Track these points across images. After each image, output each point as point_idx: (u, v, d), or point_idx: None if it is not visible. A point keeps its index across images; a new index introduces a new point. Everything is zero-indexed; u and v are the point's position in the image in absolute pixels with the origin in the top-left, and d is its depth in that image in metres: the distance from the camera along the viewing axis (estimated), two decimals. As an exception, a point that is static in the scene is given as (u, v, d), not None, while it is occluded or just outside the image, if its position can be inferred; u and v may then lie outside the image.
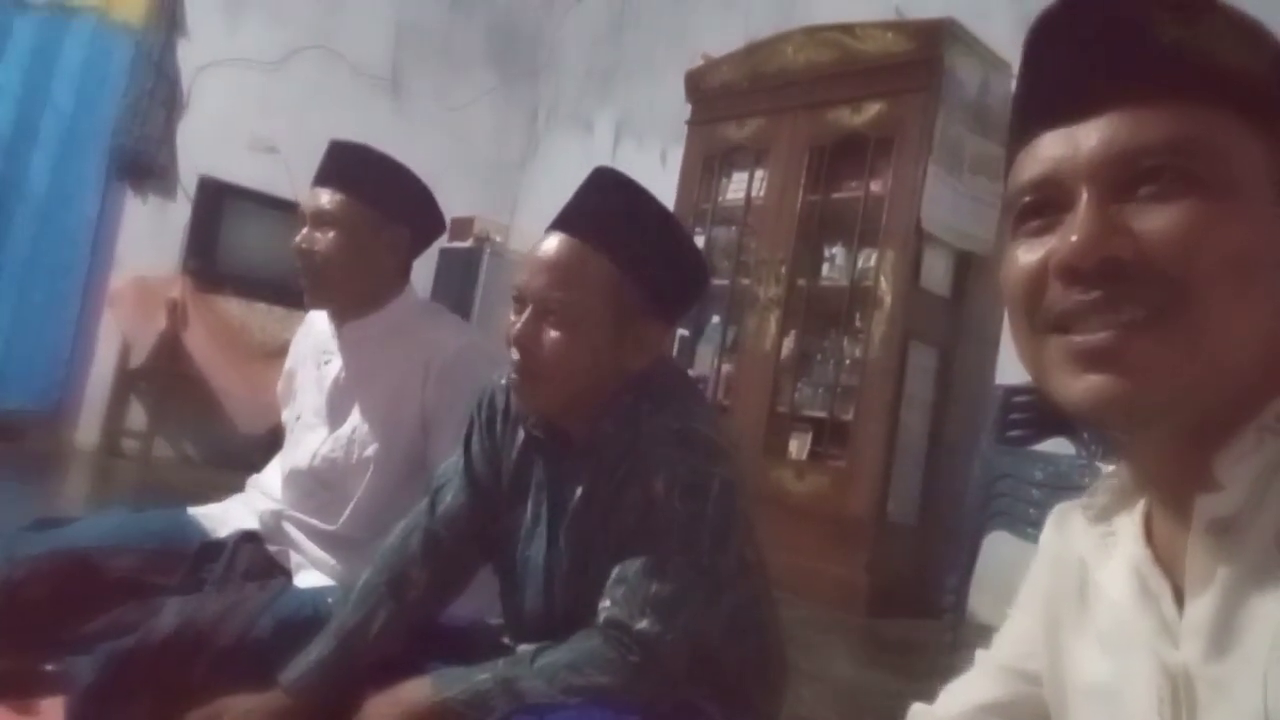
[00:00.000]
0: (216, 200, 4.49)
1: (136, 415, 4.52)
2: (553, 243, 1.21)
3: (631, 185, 1.25)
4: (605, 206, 1.23)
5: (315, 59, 4.95)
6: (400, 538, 1.36)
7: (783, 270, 3.79)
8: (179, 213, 4.57)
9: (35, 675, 1.43)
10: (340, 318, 1.71)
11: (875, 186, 3.62)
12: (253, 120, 4.70)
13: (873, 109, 3.61)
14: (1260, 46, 0.58)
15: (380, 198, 1.64)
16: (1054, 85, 0.61)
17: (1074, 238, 0.56)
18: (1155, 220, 0.55)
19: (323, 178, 1.67)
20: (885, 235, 3.51)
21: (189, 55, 4.59)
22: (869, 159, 3.63)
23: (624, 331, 1.20)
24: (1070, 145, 0.58)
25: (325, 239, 1.62)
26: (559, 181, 5.47)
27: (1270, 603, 0.52)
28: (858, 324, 3.63)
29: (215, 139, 4.58)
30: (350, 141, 1.70)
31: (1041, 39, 0.62)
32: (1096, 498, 0.69)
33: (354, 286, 1.66)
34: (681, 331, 4.17)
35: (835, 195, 3.77)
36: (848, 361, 3.65)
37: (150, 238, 4.52)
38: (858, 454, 3.47)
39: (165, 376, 4.31)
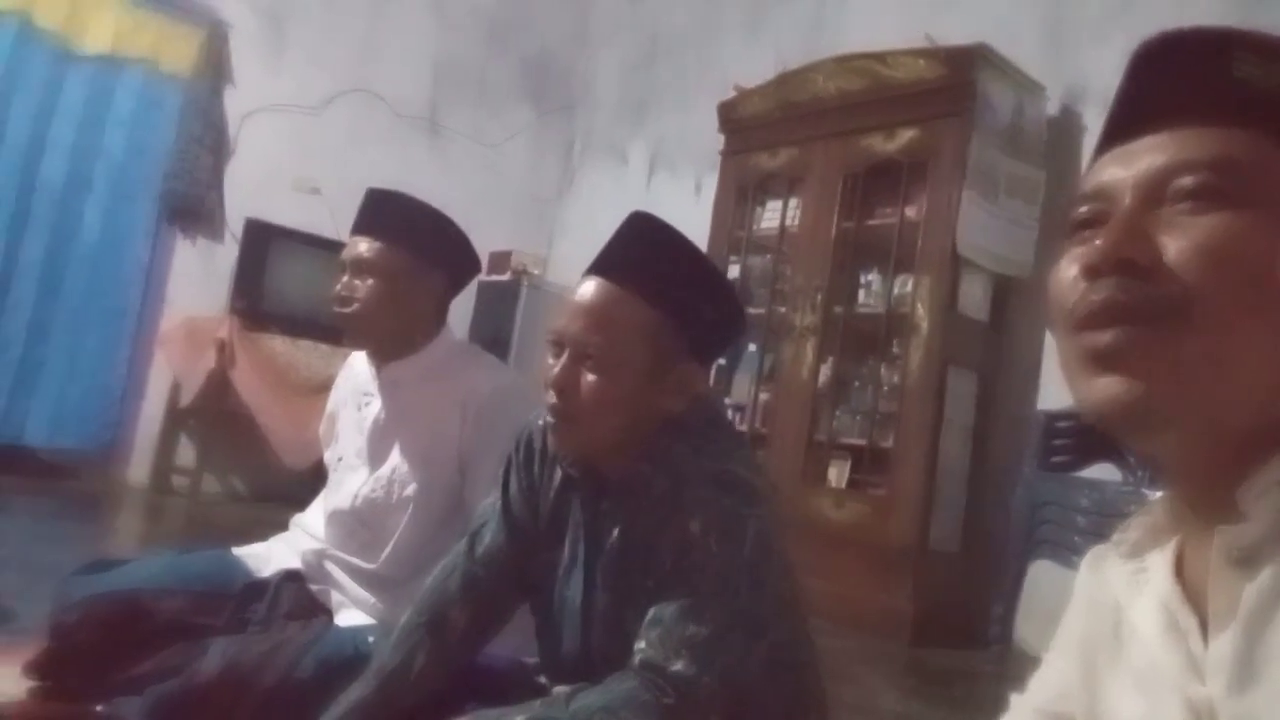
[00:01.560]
0: (262, 241, 4.60)
1: (186, 453, 4.62)
2: (590, 287, 1.23)
3: (667, 229, 1.27)
4: (641, 250, 1.24)
5: (356, 102, 5.07)
6: (439, 579, 1.37)
7: (818, 298, 3.78)
8: (226, 255, 4.69)
9: (85, 717, 1.46)
10: (379, 360, 1.75)
11: (910, 212, 3.61)
12: (296, 163, 4.81)
13: (906, 135, 3.61)
14: None
15: (417, 244, 1.68)
16: (1127, 107, 0.64)
17: (1099, 241, 0.59)
18: (1182, 231, 0.57)
19: (361, 226, 1.71)
20: (921, 261, 3.50)
21: (235, 102, 4.72)
22: (903, 185, 3.63)
23: (662, 375, 1.21)
24: (1126, 160, 0.61)
25: (365, 286, 1.67)
26: (595, 213, 5.55)
27: None
28: (895, 350, 3.61)
29: (260, 182, 4.70)
30: (387, 190, 1.74)
31: (1133, 67, 0.65)
32: (1129, 533, 0.69)
33: (393, 331, 1.70)
34: (718, 360, 4.18)
35: (870, 222, 3.77)
36: (886, 388, 3.63)
37: (199, 279, 4.63)
38: (898, 481, 3.43)
39: (213, 414, 4.41)
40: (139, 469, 4.58)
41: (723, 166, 4.36)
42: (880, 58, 3.70)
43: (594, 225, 5.66)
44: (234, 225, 4.70)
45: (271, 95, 4.80)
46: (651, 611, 1.17)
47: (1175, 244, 0.56)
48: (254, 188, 4.70)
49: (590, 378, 1.19)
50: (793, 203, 4.05)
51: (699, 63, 5.13)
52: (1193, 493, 0.61)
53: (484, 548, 1.36)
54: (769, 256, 4.22)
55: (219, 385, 4.27)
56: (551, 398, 1.20)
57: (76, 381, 4.33)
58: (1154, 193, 0.59)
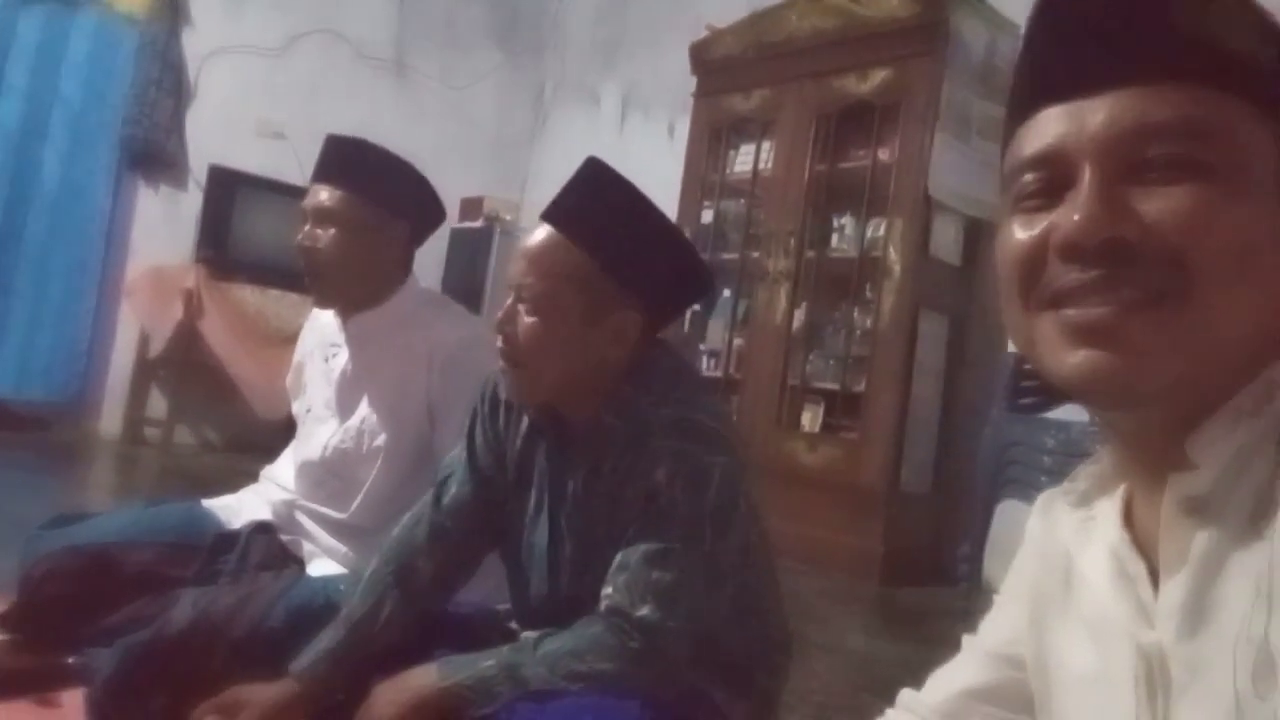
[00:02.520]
0: (227, 188, 4.52)
1: (157, 404, 4.59)
2: (535, 233, 1.25)
3: (613, 177, 1.26)
4: (583, 198, 1.25)
5: (319, 43, 4.95)
6: (406, 528, 1.38)
7: (792, 242, 3.77)
8: (191, 202, 4.60)
9: (57, 669, 1.47)
10: (345, 311, 1.73)
11: (883, 155, 3.60)
12: (259, 107, 4.71)
13: (879, 76, 3.58)
14: (1268, 35, 0.58)
15: (380, 193, 1.65)
16: (1061, 60, 0.60)
17: (1077, 216, 0.56)
18: (1161, 202, 0.55)
19: (322, 174, 1.68)
20: (894, 204, 3.50)
21: (193, 44, 4.60)
22: (876, 127, 3.60)
23: (597, 321, 1.22)
24: (1076, 122, 0.58)
25: (327, 236, 1.64)
26: (568, 157, 5.42)
27: (1242, 581, 0.52)
28: (868, 294, 3.62)
29: (223, 127, 4.60)
30: (348, 137, 1.71)
31: (1050, 11, 0.61)
32: (1078, 483, 0.69)
33: (357, 281, 1.68)
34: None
35: (843, 165, 3.75)
36: (858, 332, 3.65)
37: (163, 228, 4.56)
38: (870, 424, 3.47)
39: (184, 365, 4.37)
40: (110, 420, 4.54)
41: (695, 109, 4.30)
42: (854, -5, 3.65)
43: (567, 170, 5.56)
44: (198, 172, 4.61)
45: (231, 36, 4.68)
46: (618, 557, 1.18)
47: (1159, 218, 0.55)
48: (217, 133, 4.60)
49: (527, 320, 1.21)
50: (765, 145, 4.02)
51: (673, 2, 5.03)
52: (1142, 447, 0.61)
53: (450, 498, 1.37)
54: (742, 201, 4.19)
55: (188, 336, 4.23)
56: (498, 341, 1.22)
57: (42, 333, 4.27)
58: (1121, 159, 0.56)
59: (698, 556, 1.17)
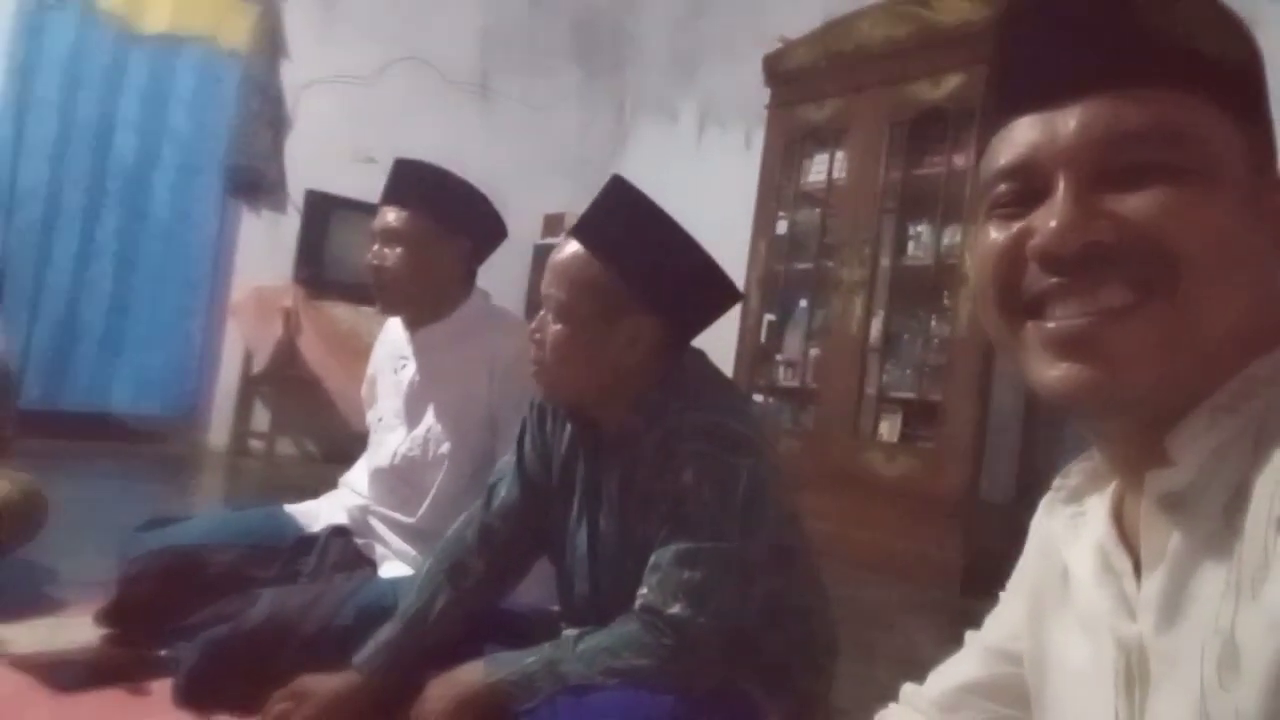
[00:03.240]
0: (322, 211, 4.74)
1: (261, 417, 4.83)
2: (563, 248, 1.32)
3: (632, 193, 1.33)
4: (603, 213, 1.33)
5: (408, 70, 5.14)
6: (459, 530, 1.46)
7: (866, 251, 3.75)
8: (290, 225, 4.84)
9: (148, 661, 1.57)
10: (413, 325, 1.83)
11: (958, 160, 3.54)
12: (352, 133, 4.92)
13: (952, 81, 3.53)
14: (1234, 34, 0.58)
15: (441, 212, 1.74)
16: (1031, 69, 0.60)
17: (1053, 223, 0.56)
18: (1137, 204, 0.55)
19: (388, 196, 1.79)
20: (970, 210, 3.44)
21: (291, 76, 4.84)
22: (950, 133, 3.55)
23: (612, 325, 1.28)
24: (1048, 131, 0.58)
25: (393, 254, 1.74)
26: (647, 173, 5.52)
27: (1215, 575, 0.53)
28: (945, 302, 3.56)
29: (319, 153, 4.82)
30: (413, 160, 1.81)
31: (1018, 20, 0.62)
32: (1070, 479, 0.69)
33: (422, 296, 1.77)
34: (769, 316, 4.18)
35: (917, 172, 3.71)
36: (936, 340, 3.60)
37: (265, 250, 4.80)
38: (948, 433, 3.42)
39: (284, 380, 4.59)
40: (218, 433, 4.80)
41: (769, 120, 4.32)
42: (925, 1, 3.61)
43: (646, 185, 5.64)
44: (295, 196, 4.84)
45: (326, 67, 4.91)
46: (652, 558, 1.23)
47: (1137, 219, 0.55)
48: (313, 159, 4.82)
49: (553, 328, 1.29)
50: (839, 154, 4.00)
51: (748, 15, 5.05)
52: (1124, 445, 0.62)
53: (499, 501, 1.44)
54: (817, 210, 4.18)
55: (287, 352, 4.44)
56: (531, 347, 1.30)
57: (155, 351, 4.54)
58: (1094, 167, 0.57)
59: (727, 556, 1.21)
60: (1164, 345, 0.55)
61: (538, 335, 1.32)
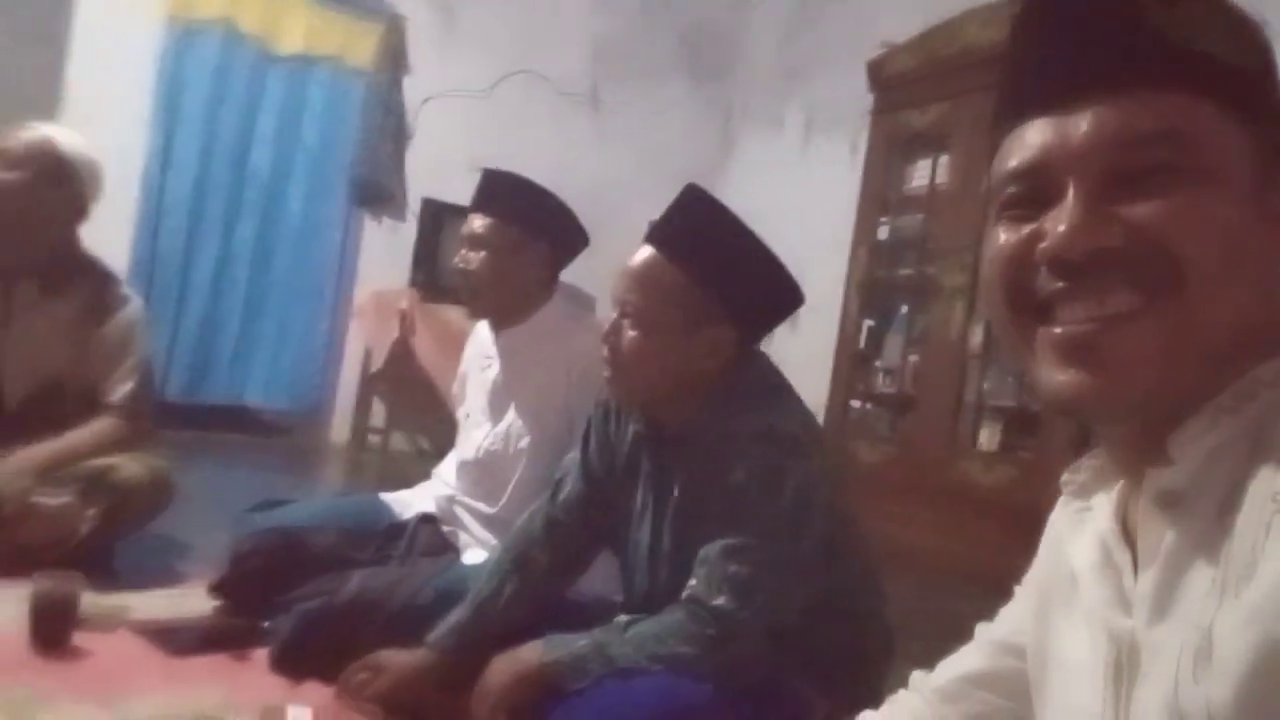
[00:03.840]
0: (438, 219, 4.96)
1: (378, 413, 5.09)
2: (638, 254, 1.36)
3: (712, 203, 1.37)
4: (682, 222, 1.36)
5: (521, 83, 5.32)
6: (526, 521, 1.55)
7: (968, 257, 3.68)
8: (408, 232, 5.08)
9: (253, 630, 1.72)
10: (497, 326, 1.94)
11: (1065, 165, 3.43)
12: (468, 144, 5.12)
13: (1060, 84, 3.43)
14: (1243, 36, 0.59)
15: (519, 217, 1.84)
16: (1041, 72, 0.61)
17: (1062, 228, 0.57)
18: (1145, 208, 0.56)
19: (475, 204, 1.90)
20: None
21: (412, 90, 5.09)
22: (1057, 137, 3.45)
23: (693, 334, 1.32)
24: (1059, 134, 0.59)
25: (477, 258, 1.86)
26: (752, 179, 5.56)
27: (1204, 572, 0.54)
28: (1049, 310, 3.46)
29: (436, 163, 5.04)
30: (498, 170, 1.92)
31: (1029, 23, 0.63)
32: (1079, 475, 0.70)
33: (503, 297, 1.88)
34: (868, 322, 4.15)
35: (1022, 177, 3.61)
36: (1039, 349, 3.49)
37: (385, 256, 5.05)
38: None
39: (399, 379, 4.82)
40: (340, 428, 5.08)
41: (871, 126, 4.29)
42: (1034, 3, 3.52)
43: (752, 191, 5.68)
44: (414, 205, 5.09)
45: (445, 82, 5.13)
46: (701, 552, 1.29)
47: (1144, 223, 0.56)
48: (431, 169, 5.05)
49: (629, 333, 1.33)
50: (942, 159, 3.94)
51: (854, 19, 5.02)
52: (1126, 444, 0.63)
53: (564, 495, 1.52)
54: (919, 216, 4.12)
55: (403, 352, 4.67)
56: (604, 350, 1.35)
57: (285, 350, 4.85)
58: (1103, 171, 0.57)
59: (772, 553, 1.25)
60: (1166, 349, 0.56)
61: (612, 340, 1.36)
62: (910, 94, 4.08)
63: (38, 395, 2.07)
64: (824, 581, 1.33)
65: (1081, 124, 0.58)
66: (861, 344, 4.15)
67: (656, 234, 1.37)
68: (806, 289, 1.42)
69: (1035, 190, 0.60)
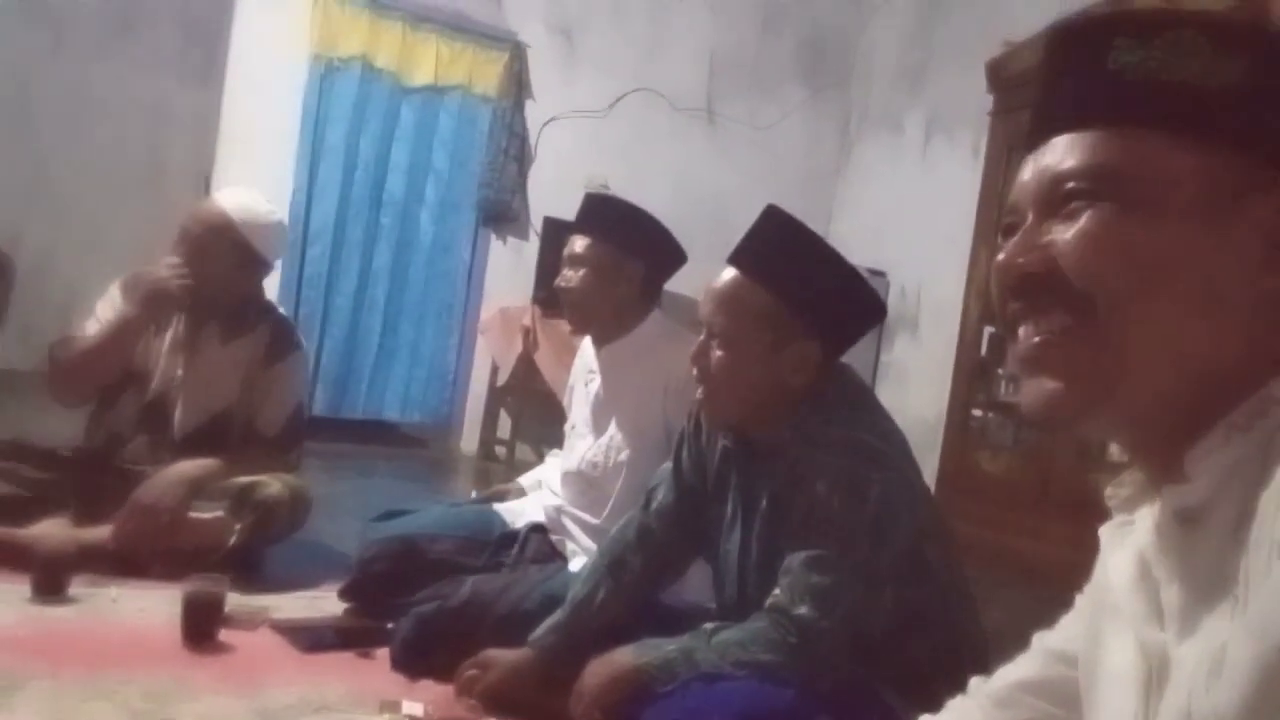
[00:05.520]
0: (559, 237, 5.10)
1: (505, 425, 5.28)
2: (722, 275, 1.41)
3: (792, 223, 1.40)
4: (765, 242, 1.40)
5: (639, 101, 5.44)
6: (621, 528, 1.61)
7: (1093, 261, 3.53)
8: (531, 250, 5.27)
9: (377, 631, 1.85)
10: (598, 341, 2.02)
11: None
12: (588, 163, 5.27)
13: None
14: (1227, 61, 0.59)
15: (616, 236, 1.93)
16: (1035, 109, 0.68)
17: (1000, 257, 0.64)
18: (1063, 233, 0.61)
19: (576, 226, 2.00)
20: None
21: (534, 114, 5.28)
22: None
23: (779, 351, 1.36)
24: (1030, 169, 0.65)
25: (577, 276, 1.95)
26: (871, 187, 5.50)
27: (1223, 587, 0.55)
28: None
29: (557, 183, 5.21)
30: (599, 193, 2.02)
31: (1041, 63, 0.69)
32: (1121, 489, 0.71)
33: (601, 313, 1.96)
34: (989, 329, 4.03)
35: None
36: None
37: (510, 273, 5.25)
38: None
39: (523, 392, 5.00)
40: (470, 440, 5.30)
41: (991, 127, 4.17)
42: (1161, -6, 3.37)
43: (871, 199, 5.61)
44: (536, 224, 5.27)
45: (565, 104, 5.30)
46: (785, 561, 1.32)
47: (1060, 249, 0.61)
48: (552, 188, 5.22)
49: (718, 353, 1.37)
50: (1066, 160, 3.79)
51: (979, 20, 4.90)
52: (1144, 462, 0.65)
53: (657, 504, 1.58)
54: (1043, 219, 3.98)
55: (526, 366, 4.84)
56: (694, 372, 1.40)
57: (420, 365, 5.11)
58: (1046, 202, 0.62)
59: (854, 564, 1.28)
60: (1094, 363, 0.59)
61: (701, 362, 1.40)
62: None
63: (206, 426, 2.26)
64: (911, 594, 1.34)
65: (1040, 159, 0.64)
66: (983, 351, 4.04)
67: (739, 255, 1.42)
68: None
69: (1018, 221, 0.66)
